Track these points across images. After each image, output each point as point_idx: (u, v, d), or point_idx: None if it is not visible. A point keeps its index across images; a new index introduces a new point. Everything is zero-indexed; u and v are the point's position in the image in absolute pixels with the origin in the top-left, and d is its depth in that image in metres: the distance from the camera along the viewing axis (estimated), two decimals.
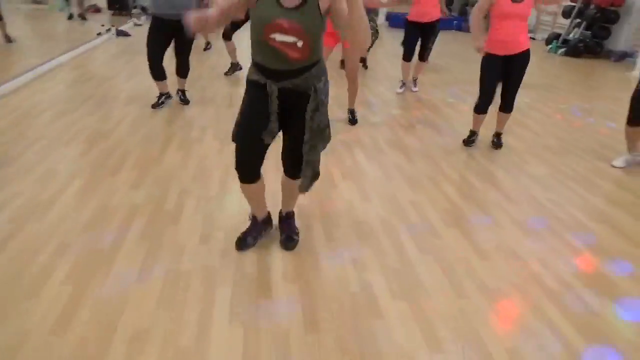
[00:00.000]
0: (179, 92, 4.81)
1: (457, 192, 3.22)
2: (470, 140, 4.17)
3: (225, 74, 6.04)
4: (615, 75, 7.91)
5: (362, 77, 5.65)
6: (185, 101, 4.79)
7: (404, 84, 5.90)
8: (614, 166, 3.90)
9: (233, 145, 2.16)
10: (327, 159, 3.33)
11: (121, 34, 8.23)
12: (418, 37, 5.56)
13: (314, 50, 1.96)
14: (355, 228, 2.68)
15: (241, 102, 2.16)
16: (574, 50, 9.23)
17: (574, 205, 3.16)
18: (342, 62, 6.64)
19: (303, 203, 2.82)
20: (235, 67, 6.05)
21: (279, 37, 1.87)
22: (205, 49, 7.39)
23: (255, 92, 2.07)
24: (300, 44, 1.88)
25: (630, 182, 3.60)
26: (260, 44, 1.94)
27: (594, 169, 3.80)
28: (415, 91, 5.92)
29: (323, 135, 2.14)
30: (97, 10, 11.02)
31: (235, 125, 2.15)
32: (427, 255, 2.47)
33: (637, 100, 3.70)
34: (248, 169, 2.19)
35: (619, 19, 9.06)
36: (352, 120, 4.53)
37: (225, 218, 2.70)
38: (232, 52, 5.92)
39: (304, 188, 2.23)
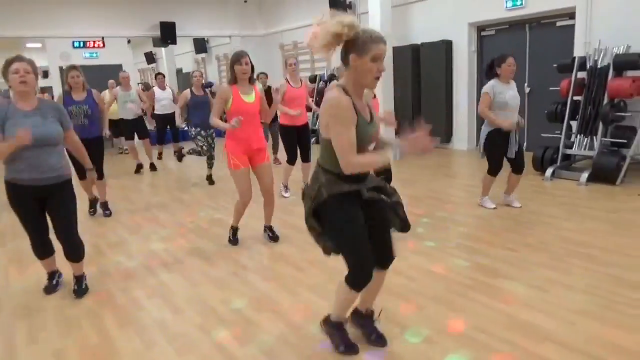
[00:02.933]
0: (75, 281, 3.39)
1: None
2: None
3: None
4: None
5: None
6: (80, 292, 3.34)
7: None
8: (486, 207, 4.67)
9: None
10: None
11: None
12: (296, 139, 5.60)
13: None
14: None
15: (336, 223, 2.19)
16: None
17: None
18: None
19: None
20: (94, 202, 5.51)
21: (371, 146, 2.24)
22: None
23: (348, 202, 2.19)
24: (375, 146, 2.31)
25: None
26: None
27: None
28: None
29: None
30: None
31: (353, 249, 2.20)
32: None
33: (494, 156, 4.50)
34: (371, 269, 2.23)
35: None
36: (273, 237, 4.24)
37: None
38: (103, 191, 5.46)
39: (408, 227, 2.37)
